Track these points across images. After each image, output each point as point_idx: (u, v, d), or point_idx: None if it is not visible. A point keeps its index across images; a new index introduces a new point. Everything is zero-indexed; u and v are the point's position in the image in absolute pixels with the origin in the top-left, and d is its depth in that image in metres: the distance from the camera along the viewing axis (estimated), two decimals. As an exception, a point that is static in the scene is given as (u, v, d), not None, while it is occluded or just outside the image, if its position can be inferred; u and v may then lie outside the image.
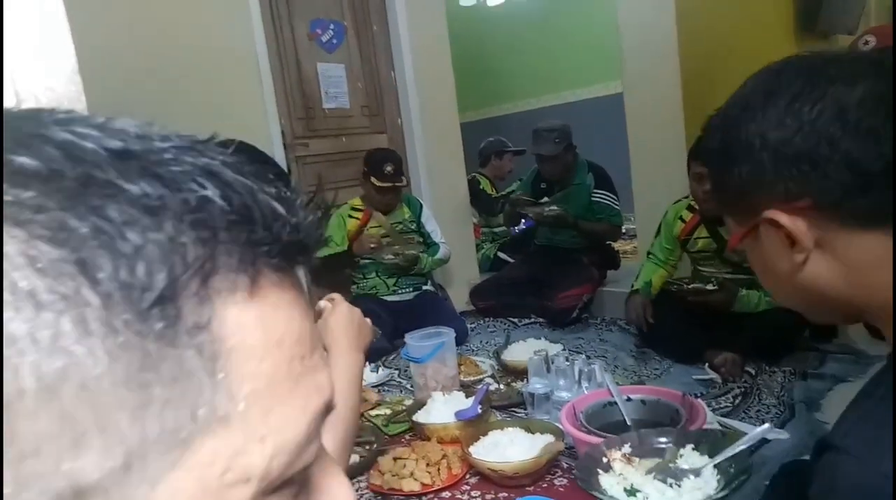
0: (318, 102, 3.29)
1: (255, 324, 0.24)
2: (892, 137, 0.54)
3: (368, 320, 1.22)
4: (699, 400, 1.74)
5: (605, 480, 1.12)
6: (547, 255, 3.37)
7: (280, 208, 0.25)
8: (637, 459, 1.17)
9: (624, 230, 3.56)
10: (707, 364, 2.25)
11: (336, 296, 1.23)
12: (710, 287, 2.27)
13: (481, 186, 4.12)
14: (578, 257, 3.26)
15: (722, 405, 1.98)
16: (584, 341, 2.84)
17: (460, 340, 2.99)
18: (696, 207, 2.46)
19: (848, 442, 0.52)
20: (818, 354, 2.31)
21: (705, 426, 1.60)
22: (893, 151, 0.54)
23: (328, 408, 0.28)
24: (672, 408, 1.66)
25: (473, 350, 2.90)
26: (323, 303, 1.24)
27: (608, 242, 3.44)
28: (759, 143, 0.59)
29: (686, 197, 2.55)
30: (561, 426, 1.69)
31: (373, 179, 3.00)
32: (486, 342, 2.99)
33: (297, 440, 0.25)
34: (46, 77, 0.68)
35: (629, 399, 1.74)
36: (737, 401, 2.00)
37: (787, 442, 1.70)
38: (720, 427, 1.78)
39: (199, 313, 0.22)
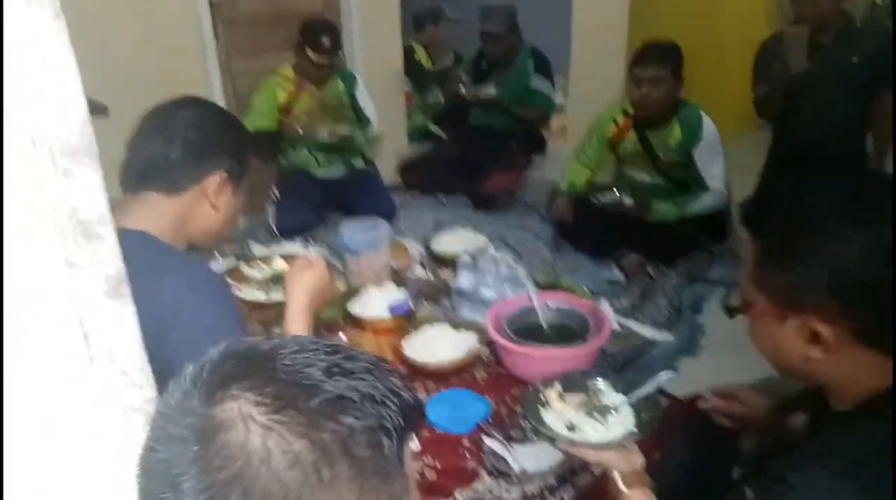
0: (247, -45, 3.01)
1: (410, 456, 0.47)
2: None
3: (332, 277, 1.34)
4: (606, 308, 2.00)
5: (549, 417, 1.22)
6: (479, 137, 3.44)
7: (412, 398, 0.47)
8: (566, 395, 1.28)
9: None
10: (615, 263, 2.51)
11: (314, 257, 1.32)
12: (626, 201, 2.46)
13: (416, 56, 4.00)
14: (509, 141, 3.36)
15: (623, 304, 2.27)
16: (507, 227, 3.04)
17: (389, 217, 3.11)
18: (630, 112, 2.57)
19: (804, 485, 0.64)
20: (709, 256, 2.62)
21: (610, 329, 1.85)
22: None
23: None
24: (583, 316, 1.89)
25: (402, 231, 3.03)
26: (303, 257, 1.34)
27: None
28: (833, 265, 0.67)
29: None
30: (485, 326, 1.90)
31: (308, 51, 2.88)
32: (415, 222, 3.13)
33: None
34: None
35: (547, 305, 1.96)
36: (636, 301, 2.29)
37: (672, 344, 2.01)
38: (620, 329, 2.07)
39: (402, 456, 0.45)
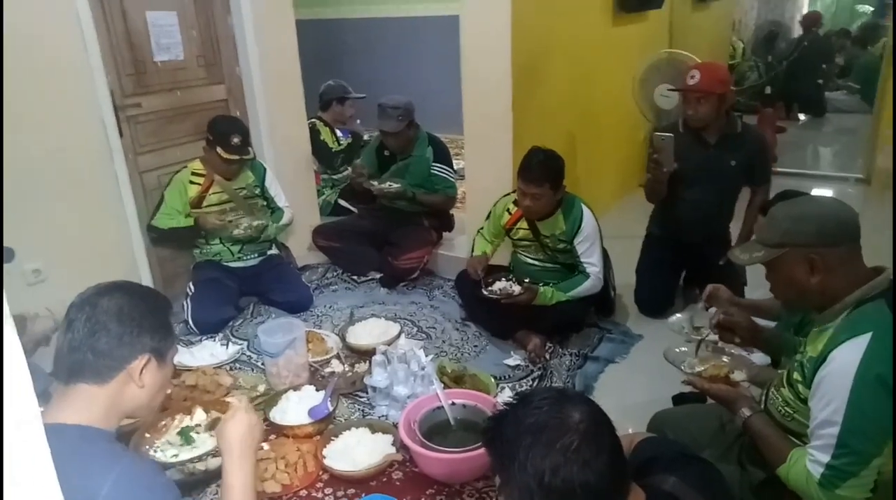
0: (149, 54, 3.07)
1: None
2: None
3: (261, 420, 1.43)
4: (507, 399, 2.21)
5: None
6: (391, 214, 3.63)
7: None
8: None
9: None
10: (519, 345, 2.75)
11: (234, 402, 1.41)
12: (516, 290, 2.70)
13: (322, 137, 4.15)
14: (420, 219, 3.58)
15: (524, 388, 2.50)
16: (417, 307, 3.23)
17: (305, 305, 3.24)
18: None
19: None
20: (599, 331, 2.91)
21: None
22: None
23: None
24: (485, 413, 2.10)
25: (318, 317, 3.16)
26: (233, 401, 1.43)
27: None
28: (536, 480, 0.92)
29: (514, 191, 2.91)
30: (398, 426, 2.06)
31: (219, 150, 2.97)
32: (330, 307, 3.26)
33: None
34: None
35: (453, 403, 2.16)
36: (534, 384, 2.53)
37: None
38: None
39: None
